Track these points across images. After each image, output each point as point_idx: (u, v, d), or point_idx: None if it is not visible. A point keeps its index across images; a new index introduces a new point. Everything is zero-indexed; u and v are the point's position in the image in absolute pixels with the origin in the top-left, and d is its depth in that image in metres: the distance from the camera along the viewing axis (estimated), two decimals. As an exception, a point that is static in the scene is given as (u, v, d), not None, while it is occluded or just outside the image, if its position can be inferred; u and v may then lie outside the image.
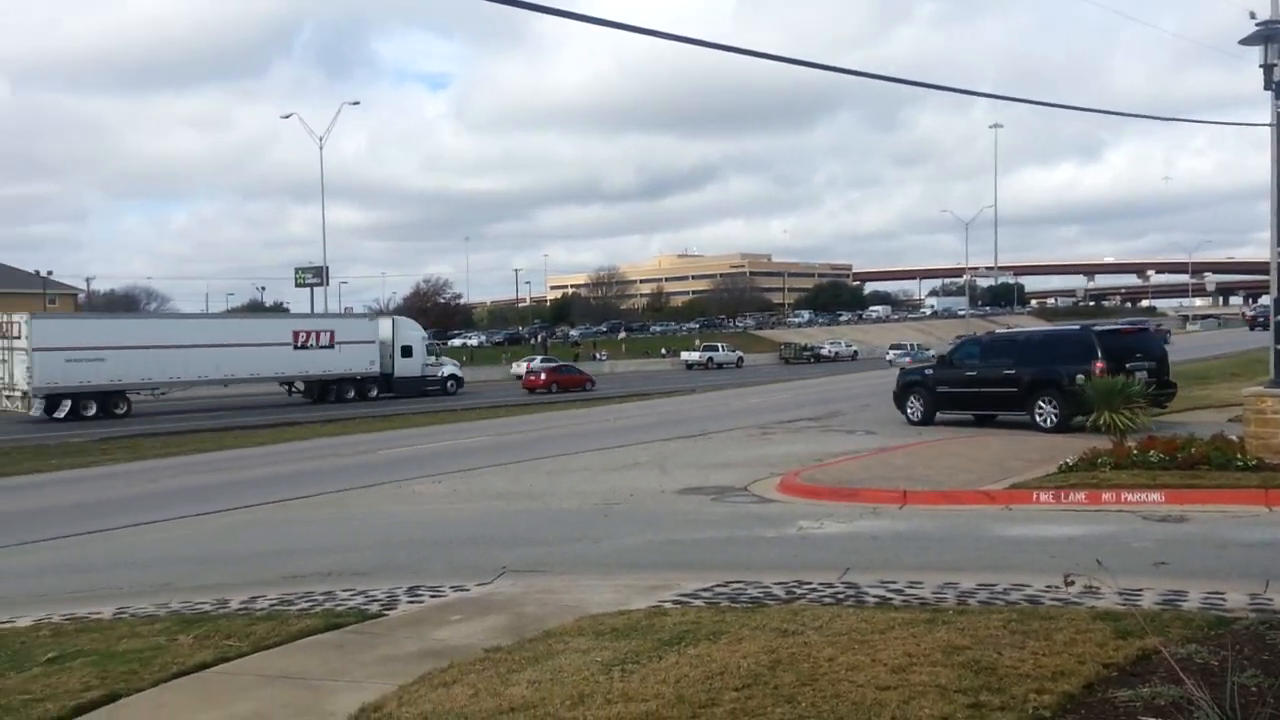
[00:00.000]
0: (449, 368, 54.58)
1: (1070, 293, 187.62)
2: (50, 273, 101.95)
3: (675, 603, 7.88)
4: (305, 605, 8.41)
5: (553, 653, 6.42)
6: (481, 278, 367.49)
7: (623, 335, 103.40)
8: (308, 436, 28.52)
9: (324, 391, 47.68)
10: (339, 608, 8.23)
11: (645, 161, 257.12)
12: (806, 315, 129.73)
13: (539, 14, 9.79)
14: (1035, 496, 12.34)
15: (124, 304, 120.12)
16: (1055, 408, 20.10)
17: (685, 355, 79.57)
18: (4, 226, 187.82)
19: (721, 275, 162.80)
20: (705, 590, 8.29)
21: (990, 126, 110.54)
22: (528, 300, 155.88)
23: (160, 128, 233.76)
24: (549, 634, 6.96)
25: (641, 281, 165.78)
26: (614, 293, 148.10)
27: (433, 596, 8.57)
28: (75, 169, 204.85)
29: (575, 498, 14.74)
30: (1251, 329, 79.79)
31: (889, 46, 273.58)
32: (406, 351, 50.27)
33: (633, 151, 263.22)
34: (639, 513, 13.18)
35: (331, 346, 47.40)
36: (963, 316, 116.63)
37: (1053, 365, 20.57)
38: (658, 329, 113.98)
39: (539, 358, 72.91)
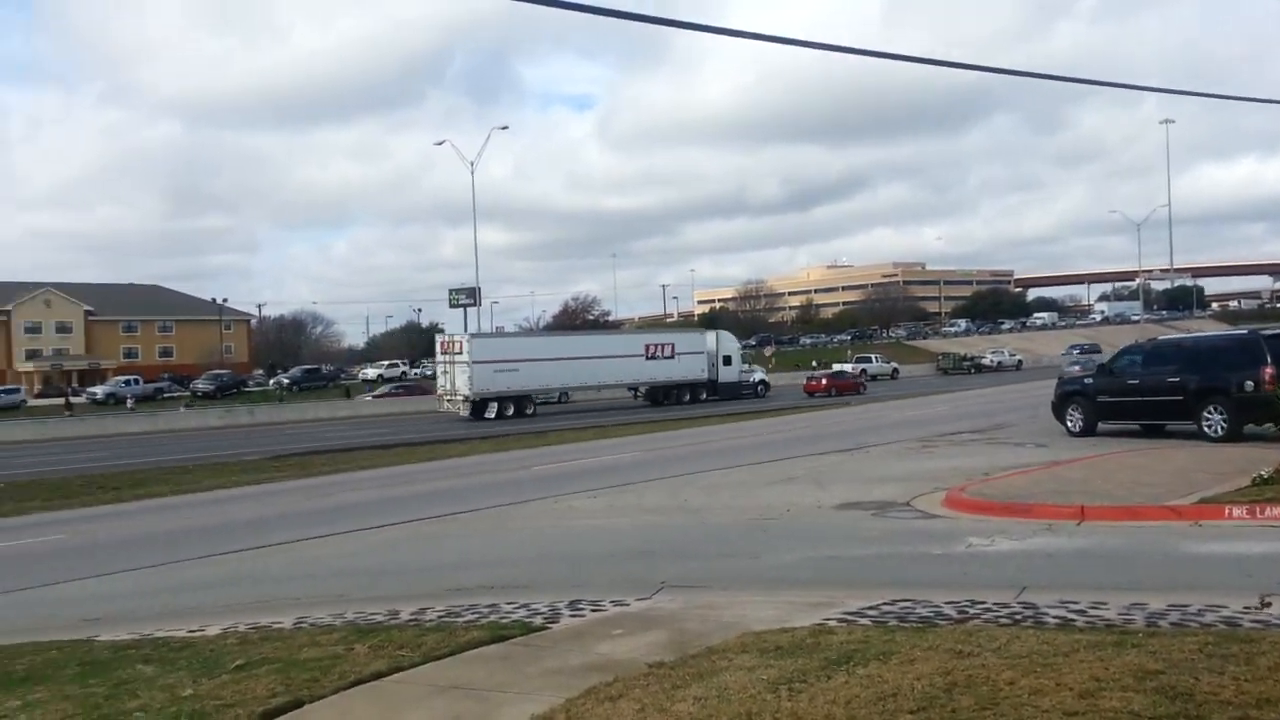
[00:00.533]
0: (759, 374, 61.95)
1: (1255, 294, 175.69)
2: (225, 300, 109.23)
3: (840, 621, 7.68)
4: (471, 617, 8.59)
5: (717, 669, 6.34)
6: (628, 294, 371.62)
7: (772, 349, 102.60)
8: (467, 453, 29.36)
9: (664, 395, 54.33)
10: (503, 620, 8.36)
11: (791, 172, 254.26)
12: (963, 324, 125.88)
13: (680, 30, 9.81)
14: (1227, 512, 11.51)
15: (293, 329, 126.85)
16: (1224, 416, 19.24)
17: (837, 367, 78.27)
18: (184, 258, 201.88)
19: (873, 285, 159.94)
20: (870, 608, 8.05)
21: (1161, 122, 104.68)
22: (675, 315, 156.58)
23: (323, 160, 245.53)
24: (712, 650, 6.88)
25: (790, 294, 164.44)
26: (762, 306, 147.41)
27: (594, 610, 8.61)
28: (246, 202, 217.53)
29: (731, 512, 14.63)
30: None
31: (1047, 43, 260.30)
32: (727, 360, 56.94)
33: (778, 162, 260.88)
34: (797, 528, 12.97)
35: (672, 357, 54.44)
36: (1137, 322, 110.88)
37: (1219, 372, 19.61)
38: (807, 341, 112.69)
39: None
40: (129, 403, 68.91)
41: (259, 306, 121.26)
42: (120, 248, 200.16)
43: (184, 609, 10.35)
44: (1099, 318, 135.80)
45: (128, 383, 77.67)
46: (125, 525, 17.74)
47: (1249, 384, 18.62)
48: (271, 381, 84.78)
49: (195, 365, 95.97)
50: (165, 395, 77.20)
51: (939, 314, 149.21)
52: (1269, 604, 7.04)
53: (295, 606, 9.89)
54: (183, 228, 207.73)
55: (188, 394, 75.70)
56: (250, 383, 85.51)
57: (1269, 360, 18.67)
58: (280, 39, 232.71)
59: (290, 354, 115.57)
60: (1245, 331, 22.48)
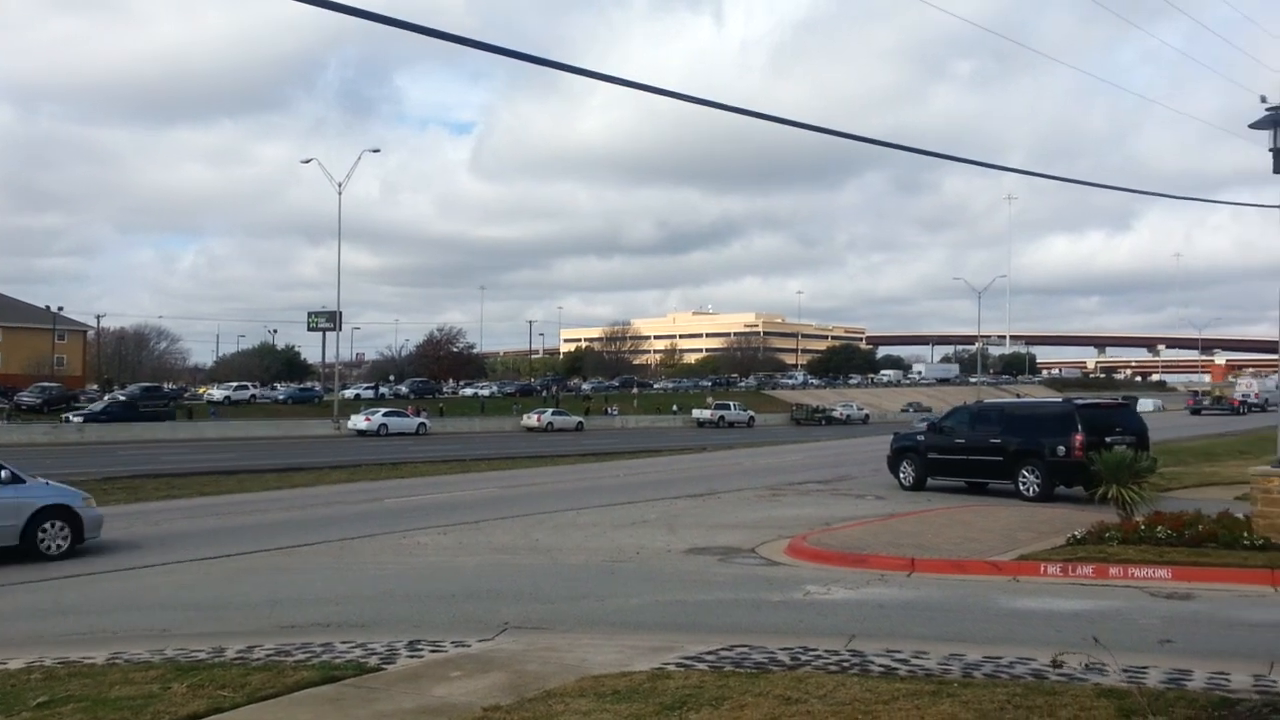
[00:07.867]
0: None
1: (1081, 364, 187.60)
2: (61, 308, 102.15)
3: (679, 665, 7.80)
4: (302, 656, 8.34)
5: (552, 714, 6.35)
6: (495, 327, 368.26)
7: (635, 391, 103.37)
8: (314, 483, 28.46)
9: None
10: (337, 660, 8.15)
11: (667, 215, 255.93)
12: (800, 377, 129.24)
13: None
14: (1043, 569, 12.21)
15: (134, 342, 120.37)
16: (1038, 478, 20.62)
17: (697, 413, 79.39)
18: (13, 258, 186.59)
19: (735, 334, 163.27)
20: (709, 653, 8.21)
21: (1006, 198, 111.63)
22: (540, 352, 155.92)
23: (175, 161, 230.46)
24: (549, 694, 6.89)
25: (655, 337, 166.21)
26: (627, 347, 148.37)
27: (433, 651, 8.49)
28: (86, 201, 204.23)
29: (582, 553, 14.66)
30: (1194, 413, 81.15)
31: (923, 106, 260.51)
32: None
33: (655, 204, 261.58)
34: (645, 572, 13.08)
35: None
36: (954, 382, 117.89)
37: (1035, 436, 21.15)
38: (669, 385, 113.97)
39: (550, 410, 73.02)
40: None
41: (98, 318, 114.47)
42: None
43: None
44: (918, 376, 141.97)
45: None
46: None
47: (1061, 449, 20.24)
48: (106, 397, 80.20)
49: (22, 376, 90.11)
50: (-16, 406, 71.94)
51: (796, 366, 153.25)
52: (1061, 664, 7.50)
53: (112, 640, 9.40)
54: (12, 225, 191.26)
55: (7, 406, 70.74)
56: (82, 397, 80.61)
57: (1079, 429, 20.19)
58: (136, 24, 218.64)
59: (130, 369, 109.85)
60: (1061, 400, 24.26)
